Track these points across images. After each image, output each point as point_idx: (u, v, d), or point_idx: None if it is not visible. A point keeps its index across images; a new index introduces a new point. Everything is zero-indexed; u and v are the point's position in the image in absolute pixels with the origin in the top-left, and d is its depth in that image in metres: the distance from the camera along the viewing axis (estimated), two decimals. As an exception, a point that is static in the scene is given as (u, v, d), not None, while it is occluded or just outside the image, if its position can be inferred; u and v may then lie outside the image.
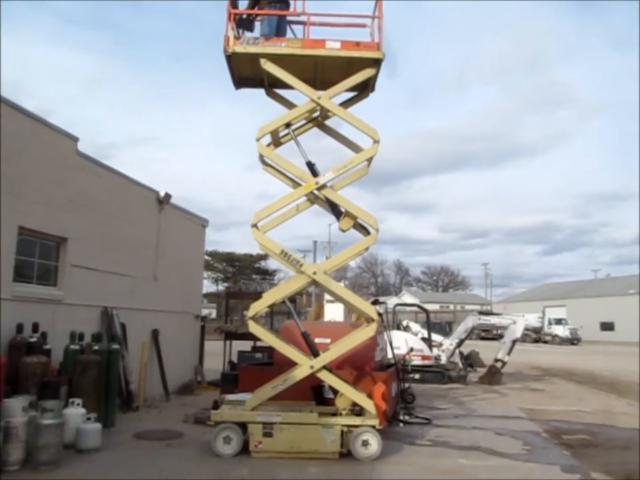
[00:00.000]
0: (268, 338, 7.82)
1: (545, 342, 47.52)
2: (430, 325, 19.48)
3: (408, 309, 34.63)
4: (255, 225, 7.76)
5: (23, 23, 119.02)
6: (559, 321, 49.24)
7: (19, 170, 8.34)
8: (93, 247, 10.15)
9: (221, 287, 75.51)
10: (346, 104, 8.77)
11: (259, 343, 14.30)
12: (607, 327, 55.10)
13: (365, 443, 7.03)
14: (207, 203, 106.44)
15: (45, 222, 8.96)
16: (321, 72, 8.44)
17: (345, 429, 7.10)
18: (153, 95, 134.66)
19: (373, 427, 7.09)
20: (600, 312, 55.64)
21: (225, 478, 6.22)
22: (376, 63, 8.12)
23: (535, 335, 48.88)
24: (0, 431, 5.93)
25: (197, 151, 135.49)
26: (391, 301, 43.48)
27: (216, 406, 8.49)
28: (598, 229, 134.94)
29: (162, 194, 12.56)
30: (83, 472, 6.26)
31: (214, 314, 59.10)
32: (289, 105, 8.82)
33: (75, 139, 9.70)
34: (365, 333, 7.70)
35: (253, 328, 7.59)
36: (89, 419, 7.23)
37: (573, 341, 46.87)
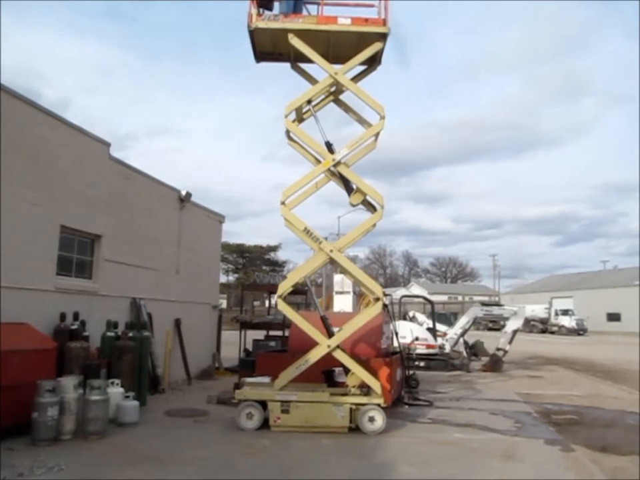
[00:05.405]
0: (294, 317, 8.71)
1: (552, 332, 48.20)
2: (435, 316, 20.34)
3: (416, 300, 35.49)
4: (283, 202, 8.70)
5: (38, 14, 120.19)
6: (565, 312, 49.89)
7: (60, 174, 9.29)
8: (122, 243, 11.11)
9: (231, 277, 76.68)
10: (356, 78, 9.65)
11: (271, 332, 15.31)
12: (614, 317, 55.66)
13: (371, 419, 7.94)
14: (222, 192, 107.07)
15: (82, 221, 9.92)
16: (333, 48, 9.32)
17: (354, 406, 8.00)
18: (167, 85, 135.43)
19: (379, 405, 7.99)
20: (606, 303, 56.23)
21: (250, 447, 7.14)
22: (383, 37, 9.03)
23: (542, 326, 49.77)
24: (56, 405, 6.87)
25: (213, 141, 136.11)
26: (398, 293, 44.19)
27: (237, 387, 9.44)
28: (616, 219, 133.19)
29: (183, 193, 13.49)
30: (127, 441, 7.21)
31: (224, 304, 60.32)
32: (310, 78, 9.69)
33: (107, 144, 10.62)
34: (372, 311, 8.60)
35: (282, 306, 8.51)
36: (127, 396, 8.17)
37: (579, 331, 47.40)
